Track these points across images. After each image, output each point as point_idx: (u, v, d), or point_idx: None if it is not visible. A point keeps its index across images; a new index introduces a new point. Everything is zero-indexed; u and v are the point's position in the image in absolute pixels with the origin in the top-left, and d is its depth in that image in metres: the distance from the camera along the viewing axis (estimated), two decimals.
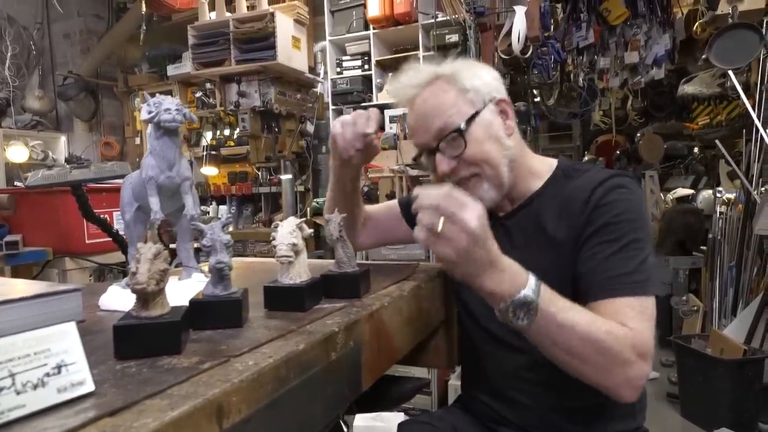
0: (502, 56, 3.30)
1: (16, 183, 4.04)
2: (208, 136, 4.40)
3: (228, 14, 3.28)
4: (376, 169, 3.12)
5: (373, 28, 3.86)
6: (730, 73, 3.25)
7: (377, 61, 3.91)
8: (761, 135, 2.88)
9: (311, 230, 0.91)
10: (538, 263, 0.99)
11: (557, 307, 0.79)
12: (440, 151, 1.00)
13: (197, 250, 0.97)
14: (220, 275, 0.77)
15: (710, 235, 3.34)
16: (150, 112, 0.87)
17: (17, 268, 2.46)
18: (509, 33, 3.17)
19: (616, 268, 0.89)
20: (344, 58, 4.03)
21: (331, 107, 4.03)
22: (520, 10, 3.12)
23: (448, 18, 3.22)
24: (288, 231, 0.86)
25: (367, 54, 3.93)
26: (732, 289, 3.04)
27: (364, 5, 3.85)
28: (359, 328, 0.82)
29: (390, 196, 3.00)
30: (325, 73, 4.11)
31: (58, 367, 0.52)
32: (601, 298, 0.88)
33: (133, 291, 0.64)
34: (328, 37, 4.03)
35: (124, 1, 4.93)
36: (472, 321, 1.14)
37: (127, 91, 5.11)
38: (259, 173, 4.38)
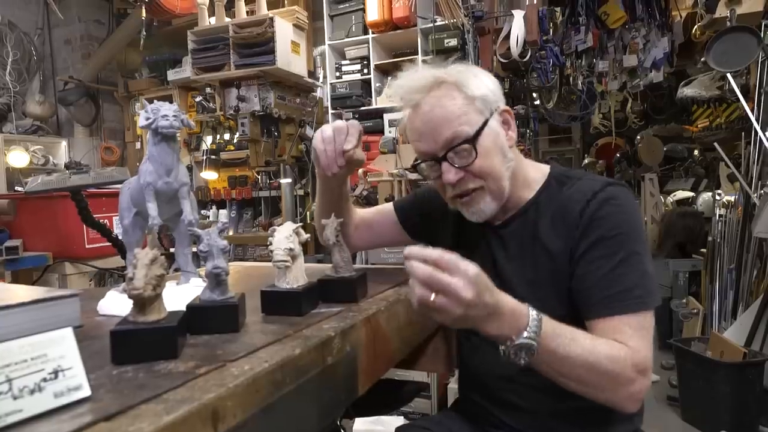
0: (501, 60, 3.31)
1: (16, 188, 4.06)
2: (208, 140, 4.42)
3: (227, 19, 3.29)
4: (375, 173, 3.13)
5: (372, 33, 3.87)
6: (729, 76, 3.26)
7: (376, 66, 3.92)
8: (760, 137, 2.88)
9: (308, 235, 0.91)
10: (533, 274, 0.99)
11: (558, 343, 0.80)
12: (447, 161, 0.97)
13: (195, 255, 0.98)
14: (217, 280, 0.77)
15: (710, 238, 3.34)
16: (148, 119, 0.88)
17: (17, 273, 2.47)
18: (508, 37, 3.18)
19: (614, 285, 0.89)
20: (343, 62, 4.05)
21: (331, 111, 4.05)
22: (518, 14, 3.14)
23: (446, 22, 3.23)
24: (285, 236, 0.86)
25: (366, 58, 3.95)
26: (732, 292, 3.04)
27: (363, 10, 3.87)
28: (356, 332, 0.83)
29: (389, 201, 3.00)
30: (325, 77, 4.12)
31: (55, 372, 0.53)
32: (602, 316, 0.89)
33: (130, 296, 0.64)
34: (327, 42, 4.05)
35: (125, 6, 4.95)
36: None
37: (127, 96, 5.13)
38: (259, 177, 4.39)
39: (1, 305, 0.63)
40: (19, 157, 4.32)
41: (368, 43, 3.90)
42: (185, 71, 4.27)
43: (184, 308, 0.75)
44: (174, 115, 0.88)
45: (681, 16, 3.88)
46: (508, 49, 3.16)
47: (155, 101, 0.93)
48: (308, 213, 4.02)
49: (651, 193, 4.56)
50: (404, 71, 1.05)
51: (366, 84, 3.96)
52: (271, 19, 3.08)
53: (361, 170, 2.94)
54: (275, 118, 3.35)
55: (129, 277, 0.64)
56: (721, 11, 3.16)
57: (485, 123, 0.97)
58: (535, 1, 3.18)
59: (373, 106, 3.92)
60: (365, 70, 3.96)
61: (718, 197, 3.40)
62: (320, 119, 4.24)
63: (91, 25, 5.16)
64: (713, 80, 4.40)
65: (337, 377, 0.77)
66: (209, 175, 4.38)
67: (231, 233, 4.37)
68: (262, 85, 3.25)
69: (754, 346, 2.61)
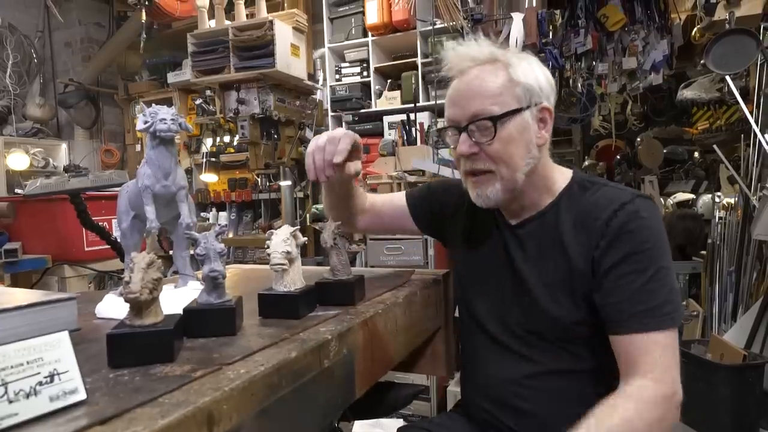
0: None
1: (16, 190, 4.06)
2: (208, 143, 4.41)
3: (227, 22, 3.29)
4: (374, 175, 3.13)
5: (372, 35, 3.88)
6: (728, 78, 3.26)
7: (376, 68, 3.92)
8: (759, 140, 2.88)
9: (305, 238, 0.92)
10: (551, 277, 0.98)
11: None
12: (467, 133, 0.97)
13: (193, 258, 0.98)
14: (214, 283, 0.78)
15: (710, 240, 3.34)
16: (146, 122, 0.88)
17: (16, 275, 2.47)
18: (507, 39, 3.18)
19: (645, 301, 0.89)
20: (343, 65, 4.05)
21: (330, 114, 4.05)
22: (517, 17, 3.14)
23: (446, 25, 3.23)
24: (282, 239, 0.86)
25: (366, 61, 3.95)
26: (732, 294, 3.03)
27: (363, 13, 3.87)
28: (353, 335, 0.83)
29: None
30: (324, 80, 4.12)
31: (51, 376, 0.53)
32: (632, 332, 0.89)
33: (127, 300, 0.64)
34: (327, 45, 4.05)
35: (125, 9, 4.96)
36: (476, 326, 1.12)
37: (127, 99, 5.14)
38: (259, 180, 4.39)
39: None
40: (19, 160, 4.32)
41: (368, 45, 3.91)
42: (185, 74, 4.28)
43: (181, 311, 0.75)
44: (172, 119, 0.88)
45: (680, 19, 3.88)
46: None
47: (153, 105, 0.93)
48: (308, 215, 4.02)
49: (651, 196, 4.55)
50: (467, 41, 1.04)
51: (366, 86, 3.96)
52: (271, 22, 3.08)
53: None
54: (275, 121, 3.35)
55: (125, 280, 0.65)
56: (720, 14, 3.17)
57: (518, 110, 0.96)
58: (534, 4, 3.18)
59: (373, 109, 3.93)
60: (365, 73, 3.96)
61: (717, 199, 3.40)
62: (320, 122, 4.24)
63: (92, 27, 5.16)
64: (713, 82, 4.40)
65: (334, 380, 0.77)
66: (209, 177, 4.38)
67: (231, 235, 4.37)
68: (262, 87, 3.25)
69: (754, 348, 2.61)
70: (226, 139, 4.37)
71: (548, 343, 1.00)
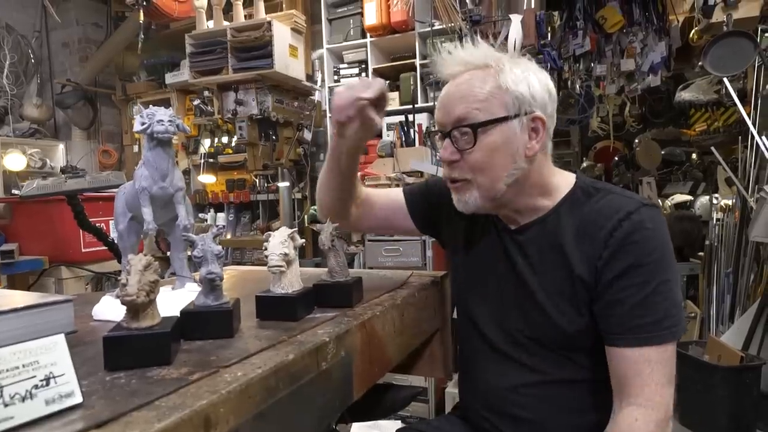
0: None
1: (13, 191, 4.04)
2: (206, 143, 4.41)
3: (225, 23, 3.29)
4: (372, 176, 3.13)
5: (370, 37, 3.88)
6: (725, 80, 3.27)
7: (374, 69, 3.92)
8: (757, 141, 2.88)
9: (303, 240, 0.91)
10: (553, 285, 0.96)
11: None
12: (451, 139, 0.95)
13: (191, 260, 0.98)
14: (211, 285, 0.77)
15: (707, 242, 3.34)
16: (143, 124, 0.88)
17: (13, 277, 2.46)
18: (505, 41, 3.18)
19: (643, 316, 0.88)
20: (341, 66, 4.05)
21: (329, 115, 4.05)
22: (516, 19, 3.14)
23: (444, 26, 3.24)
24: (279, 241, 0.86)
25: (364, 62, 3.95)
26: (729, 296, 3.03)
27: (361, 14, 3.87)
28: (351, 337, 0.83)
29: None
30: (323, 81, 4.12)
31: (47, 379, 0.53)
32: (624, 345, 0.89)
33: (123, 302, 0.64)
34: (325, 46, 4.05)
35: (123, 10, 4.95)
36: (475, 332, 1.10)
37: (125, 99, 5.13)
38: (257, 181, 4.39)
39: None
40: (16, 160, 4.31)
41: (366, 46, 3.91)
42: (183, 74, 4.26)
43: (178, 314, 0.74)
44: (169, 120, 0.88)
45: (678, 21, 3.88)
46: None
47: (151, 106, 0.93)
48: (306, 217, 4.01)
49: (649, 197, 4.56)
50: (465, 45, 1.01)
51: None
52: (269, 22, 3.08)
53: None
54: (273, 122, 3.35)
55: (122, 283, 0.64)
56: (718, 16, 3.17)
57: (505, 119, 0.93)
58: (532, 5, 3.18)
59: None
60: (363, 74, 3.96)
61: (715, 201, 3.40)
62: (318, 123, 4.24)
63: (89, 28, 5.15)
64: (711, 84, 4.41)
65: (332, 383, 0.77)
66: (207, 178, 4.37)
67: (229, 236, 4.37)
68: (260, 88, 3.25)
69: (752, 350, 2.61)
70: (224, 140, 4.37)
71: (549, 351, 0.98)
